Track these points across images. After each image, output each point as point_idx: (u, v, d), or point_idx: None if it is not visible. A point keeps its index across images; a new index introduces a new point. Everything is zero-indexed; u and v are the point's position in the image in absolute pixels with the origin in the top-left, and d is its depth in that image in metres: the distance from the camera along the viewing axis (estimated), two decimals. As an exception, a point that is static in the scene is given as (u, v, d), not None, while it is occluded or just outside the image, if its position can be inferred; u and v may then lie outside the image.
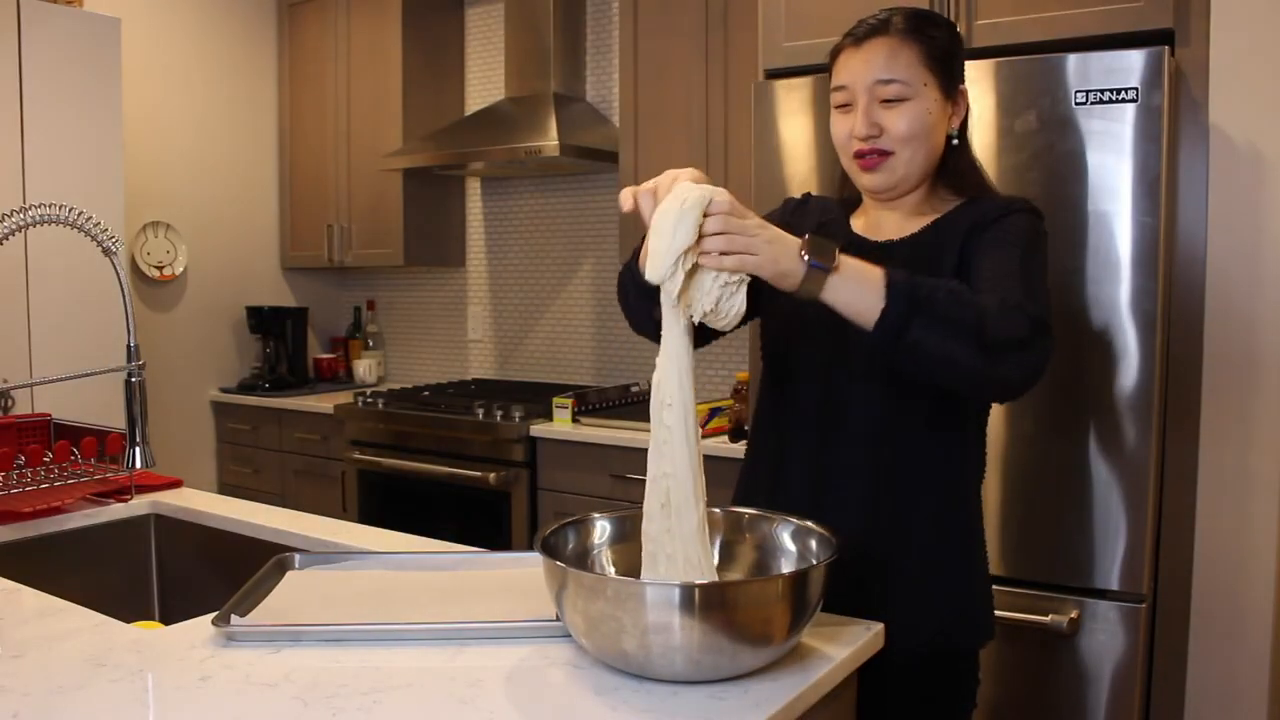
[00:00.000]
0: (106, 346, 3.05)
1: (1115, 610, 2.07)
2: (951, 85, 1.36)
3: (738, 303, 1.14)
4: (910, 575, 1.35)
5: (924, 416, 1.34)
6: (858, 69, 1.32)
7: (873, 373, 1.33)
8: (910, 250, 1.35)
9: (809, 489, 1.39)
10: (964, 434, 1.40)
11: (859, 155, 1.34)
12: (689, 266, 1.10)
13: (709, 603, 1.01)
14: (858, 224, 1.45)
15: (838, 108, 1.36)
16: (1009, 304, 1.17)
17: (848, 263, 1.13)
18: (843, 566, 1.11)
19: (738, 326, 1.19)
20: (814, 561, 1.18)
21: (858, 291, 1.13)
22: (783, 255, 1.11)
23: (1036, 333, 1.18)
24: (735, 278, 1.12)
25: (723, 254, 1.08)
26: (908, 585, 1.34)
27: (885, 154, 1.32)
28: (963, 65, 1.39)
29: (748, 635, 1.02)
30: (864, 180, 1.37)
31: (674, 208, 1.08)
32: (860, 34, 1.34)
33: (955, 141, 1.37)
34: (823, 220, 1.46)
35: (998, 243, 1.29)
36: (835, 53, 1.37)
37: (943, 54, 1.33)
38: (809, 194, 1.56)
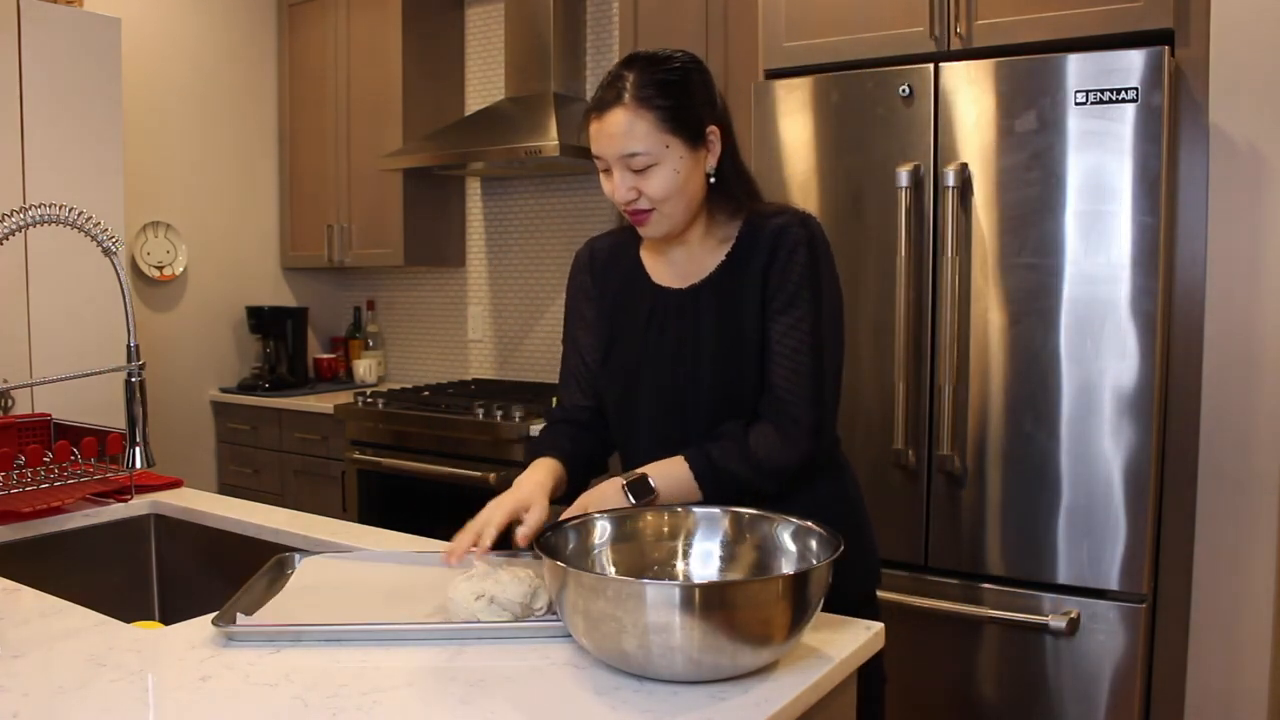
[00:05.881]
0: (106, 346, 3.05)
1: (1115, 610, 2.07)
2: (697, 135, 1.40)
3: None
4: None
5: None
6: (605, 143, 1.39)
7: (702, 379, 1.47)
8: (713, 294, 1.46)
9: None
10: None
11: (629, 212, 1.43)
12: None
13: (709, 603, 1.01)
14: (651, 260, 1.54)
15: (601, 170, 1.44)
16: (786, 437, 1.40)
17: (662, 487, 1.38)
18: None
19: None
20: (814, 561, 1.18)
21: (679, 494, 1.39)
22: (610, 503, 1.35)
23: (802, 454, 1.41)
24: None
25: None
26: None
27: (650, 210, 1.41)
28: (710, 101, 1.42)
29: (748, 635, 1.03)
30: (640, 231, 1.47)
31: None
32: (599, 106, 1.39)
33: (713, 179, 1.44)
34: (624, 277, 1.55)
35: (789, 303, 1.42)
36: (586, 120, 1.42)
37: (677, 112, 1.37)
38: (592, 242, 1.65)
